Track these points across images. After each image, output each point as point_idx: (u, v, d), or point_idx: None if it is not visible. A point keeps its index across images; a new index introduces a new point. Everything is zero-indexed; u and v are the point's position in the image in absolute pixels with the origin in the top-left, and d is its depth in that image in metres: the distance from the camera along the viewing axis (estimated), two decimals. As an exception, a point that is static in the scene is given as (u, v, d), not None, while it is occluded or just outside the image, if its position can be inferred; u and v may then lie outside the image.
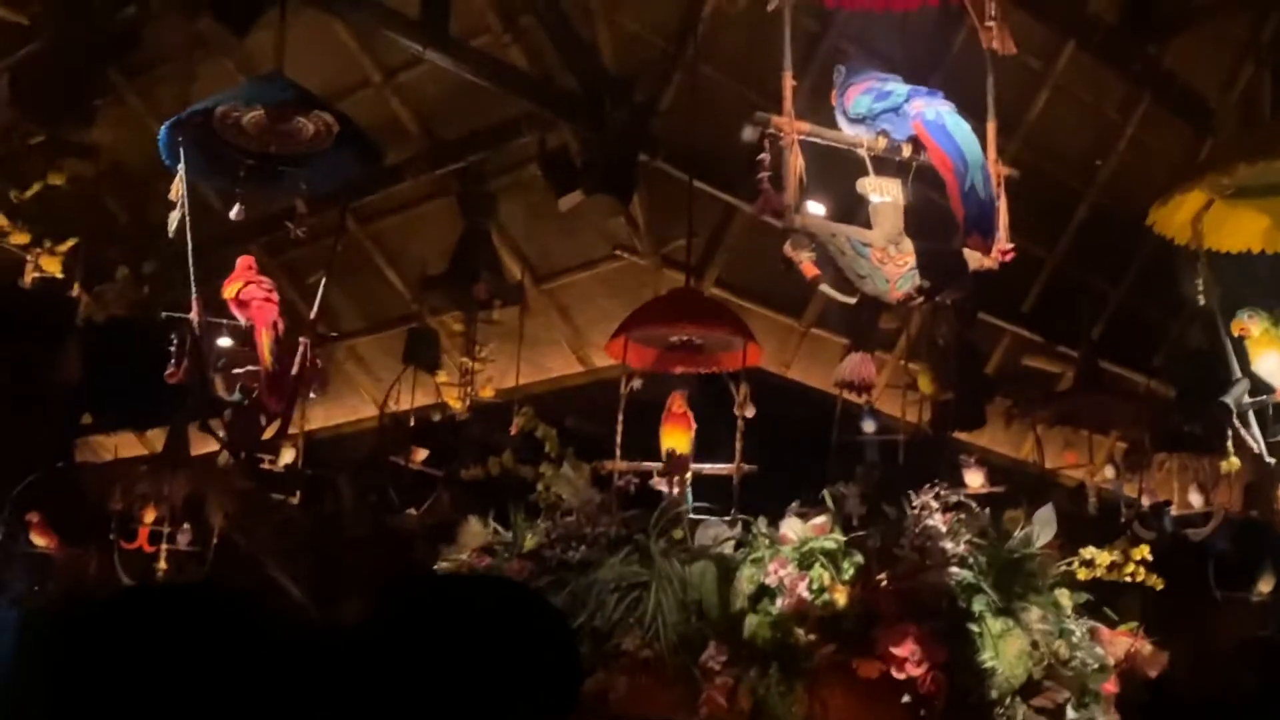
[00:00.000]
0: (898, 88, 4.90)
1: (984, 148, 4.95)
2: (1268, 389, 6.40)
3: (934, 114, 4.80)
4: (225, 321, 6.54)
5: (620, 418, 6.12)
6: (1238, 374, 5.95)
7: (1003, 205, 4.89)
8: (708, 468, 6.06)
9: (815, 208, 4.95)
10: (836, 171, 5.28)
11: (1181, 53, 9.05)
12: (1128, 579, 5.99)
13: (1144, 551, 5.73)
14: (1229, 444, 6.03)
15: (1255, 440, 6.22)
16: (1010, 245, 4.88)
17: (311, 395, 6.98)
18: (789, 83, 4.54)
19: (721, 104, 7.48)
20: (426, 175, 8.49)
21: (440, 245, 8.48)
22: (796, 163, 4.41)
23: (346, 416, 10.38)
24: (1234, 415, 6.14)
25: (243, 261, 6.78)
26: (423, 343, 8.45)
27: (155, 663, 1.50)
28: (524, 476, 5.83)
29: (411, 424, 8.50)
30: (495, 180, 8.47)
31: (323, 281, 6.75)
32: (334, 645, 1.62)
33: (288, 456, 8.53)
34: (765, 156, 4.46)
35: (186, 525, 8.42)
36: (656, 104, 7.74)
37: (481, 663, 1.57)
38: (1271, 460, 6.40)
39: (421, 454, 8.33)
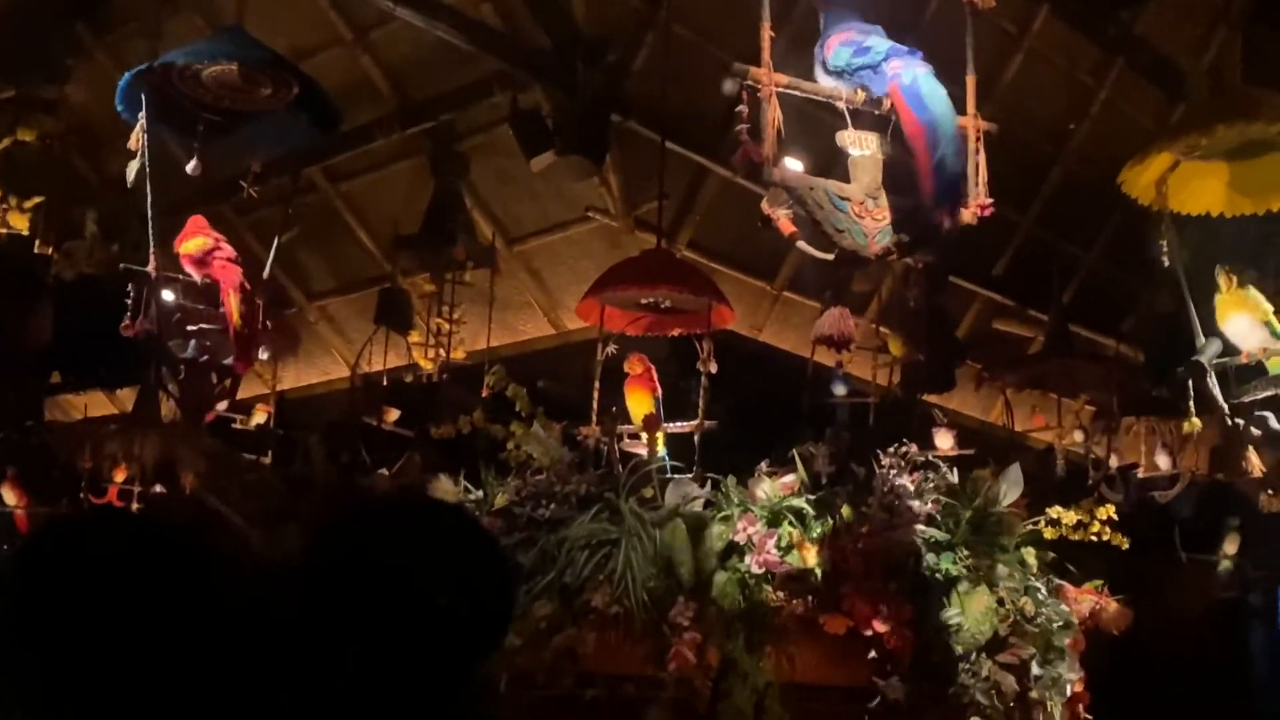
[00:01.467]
0: (877, 43, 4.87)
1: (963, 104, 4.95)
2: (1234, 351, 6.46)
3: (910, 78, 4.77)
4: (183, 277, 6.52)
5: (596, 383, 6.14)
6: (1201, 336, 5.99)
7: (981, 160, 4.87)
8: (672, 426, 6.09)
9: (792, 163, 4.94)
10: (814, 127, 5.27)
11: (1154, 18, 9.07)
12: (1094, 539, 6.06)
13: (1109, 511, 5.80)
14: (1190, 405, 6.09)
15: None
16: (989, 201, 4.87)
17: (262, 356, 6.98)
18: (767, 34, 4.52)
19: (695, 65, 7.46)
20: (397, 135, 8.44)
21: (411, 205, 8.44)
22: (775, 115, 4.40)
23: (318, 377, 10.36)
24: (1208, 374, 6.19)
25: (195, 220, 6.75)
26: (394, 303, 8.42)
27: (92, 587, 1.52)
28: (495, 435, 5.84)
29: (384, 384, 8.48)
30: (467, 140, 8.43)
31: (275, 244, 6.73)
32: (273, 573, 1.64)
33: (259, 417, 8.51)
34: (743, 109, 4.45)
35: (158, 485, 8.39)
36: (629, 64, 7.71)
37: (413, 584, 1.59)
38: (1239, 422, 6.46)
39: (393, 414, 8.31)
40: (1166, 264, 5.89)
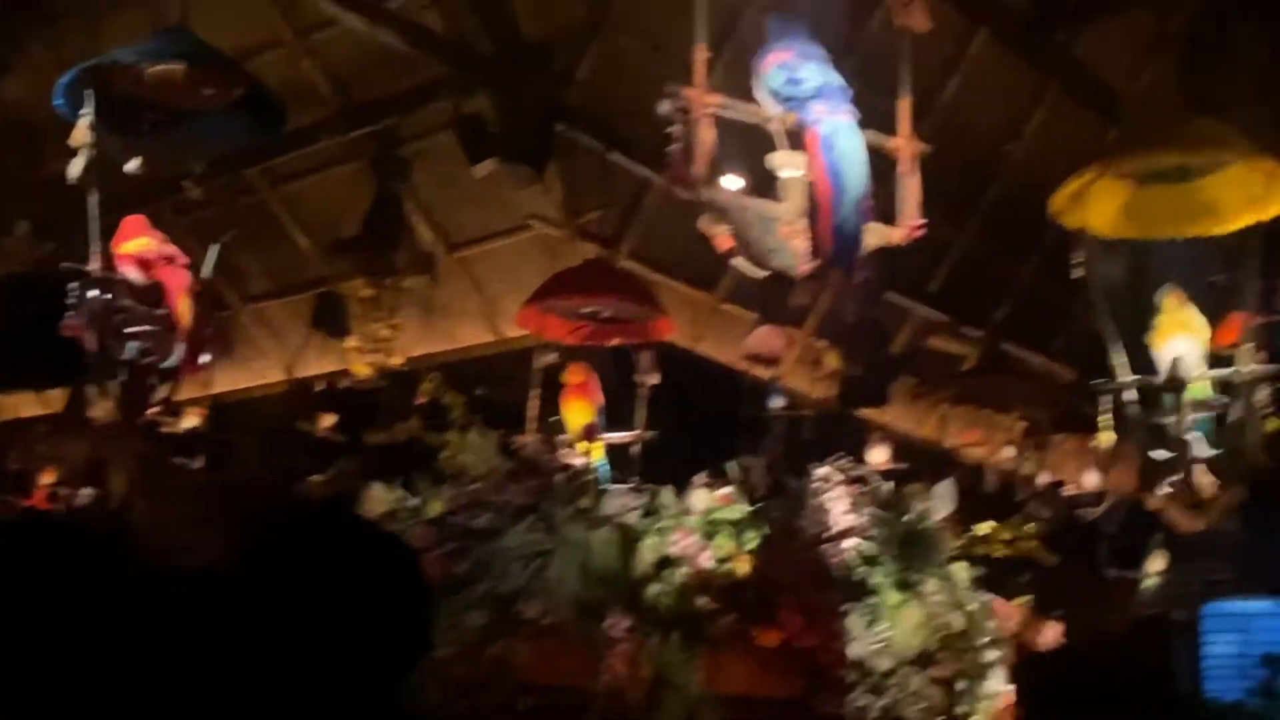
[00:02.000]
0: (809, 76, 4.88)
1: (896, 127, 5.00)
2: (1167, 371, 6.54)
3: (830, 127, 4.78)
4: (125, 277, 6.40)
5: (534, 392, 6.15)
6: (1120, 352, 6.03)
7: (915, 182, 4.93)
8: (611, 436, 6.11)
9: (733, 181, 4.97)
10: (763, 138, 5.29)
11: (1091, 43, 9.22)
12: (1023, 555, 6.14)
13: (1039, 528, 5.88)
14: (1107, 419, 6.16)
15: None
16: (921, 222, 4.92)
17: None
18: (701, 55, 4.55)
19: (639, 75, 7.47)
20: (339, 138, 8.37)
21: (352, 209, 8.37)
22: (706, 136, 4.43)
23: (253, 381, 10.22)
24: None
25: (133, 220, 6.64)
26: (332, 308, 8.35)
27: (11, 592, 1.51)
28: (431, 443, 5.81)
29: (319, 390, 8.41)
30: (409, 145, 8.37)
31: (215, 246, 6.65)
32: (193, 583, 1.62)
33: (191, 421, 8.41)
34: (677, 129, 4.47)
35: (87, 488, 8.26)
36: (574, 73, 7.70)
37: (333, 601, 1.58)
38: (1187, 439, 6.51)
39: (328, 420, 8.24)
40: (1077, 274, 5.96)
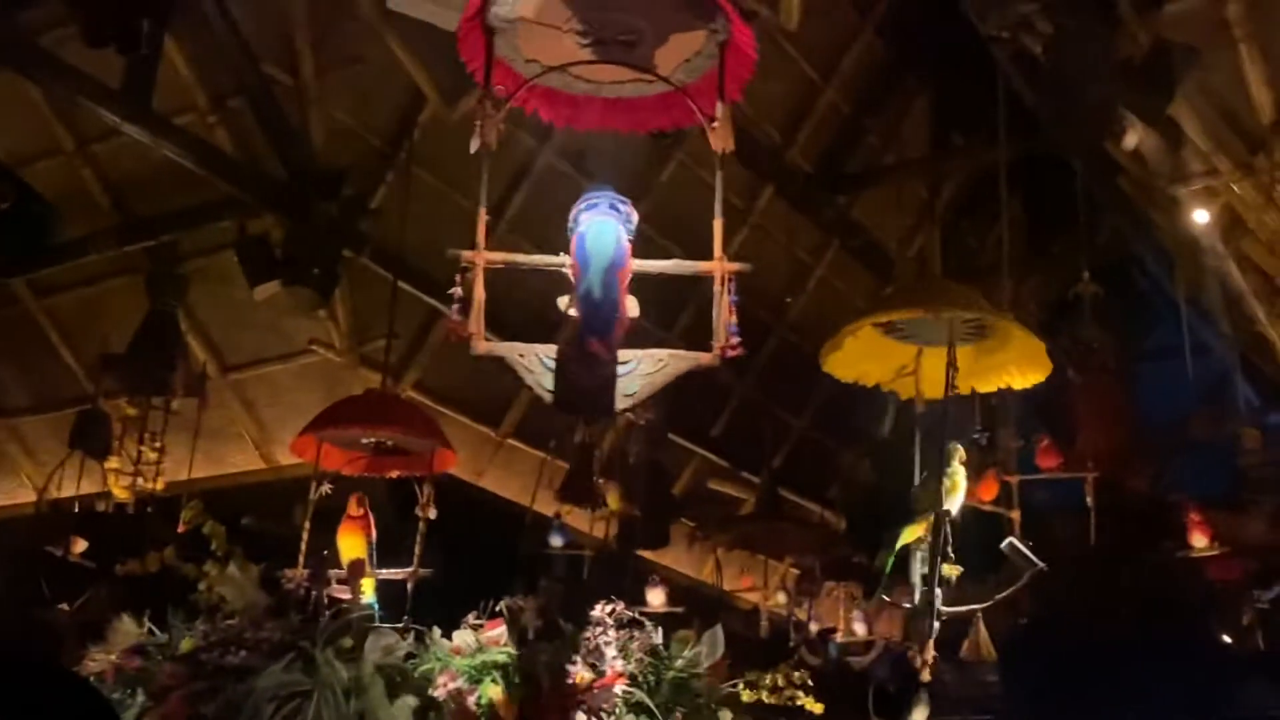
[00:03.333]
0: (587, 202, 4.96)
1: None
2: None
3: (585, 227, 4.87)
4: None
5: (307, 523, 5.92)
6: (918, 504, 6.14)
7: (725, 301, 4.89)
8: (384, 572, 5.93)
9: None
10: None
11: (868, 206, 9.73)
12: (791, 702, 6.16)
13: (805, 676, 5.92)
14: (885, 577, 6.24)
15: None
16: (735, 342, 4.85)
17: None
18: (482, 218, 4.57)
19: (432, 207, 7.49)
20: (113, 251, 8.08)
21: (122, 325, 8.06)
22: (479, 294, 4.44)
23: (1, 500, 9.62)
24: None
25: None
26: (93, 426, 7.95)
27: None
28: (187, 575, 5.50)
29: (74, 512, 7.94)
30: (188, 262, 8.15)
31: None
32: None
33: (-72, 542, 7.81)
34: (457, 289, 4.47)
35: None
36: (367, 201, 7.67)
37: None
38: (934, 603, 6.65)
39: (81, 545, 7.76)
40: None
